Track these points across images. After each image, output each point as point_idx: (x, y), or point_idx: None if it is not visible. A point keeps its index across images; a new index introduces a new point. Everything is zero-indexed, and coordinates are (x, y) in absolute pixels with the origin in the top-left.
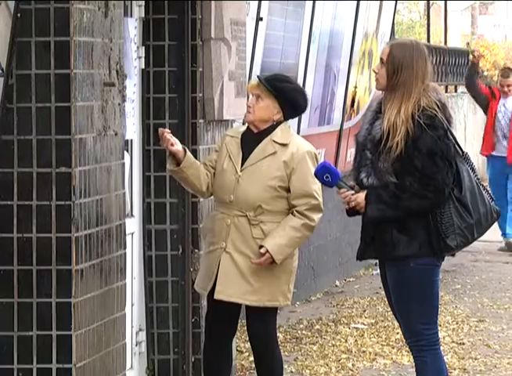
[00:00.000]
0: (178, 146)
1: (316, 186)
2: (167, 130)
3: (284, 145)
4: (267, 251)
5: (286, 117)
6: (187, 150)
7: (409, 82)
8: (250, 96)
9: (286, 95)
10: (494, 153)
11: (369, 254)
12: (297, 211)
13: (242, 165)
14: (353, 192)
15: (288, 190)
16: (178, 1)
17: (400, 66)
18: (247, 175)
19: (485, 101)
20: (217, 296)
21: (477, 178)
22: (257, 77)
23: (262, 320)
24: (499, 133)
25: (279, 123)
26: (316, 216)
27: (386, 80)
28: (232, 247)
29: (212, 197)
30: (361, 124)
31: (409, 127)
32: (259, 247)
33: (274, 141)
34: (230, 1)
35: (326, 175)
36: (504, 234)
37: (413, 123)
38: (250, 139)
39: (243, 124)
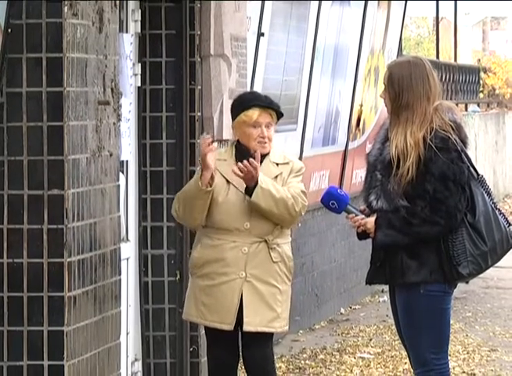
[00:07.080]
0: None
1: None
2: (212, 144)
3: (286, 164)
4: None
5: None
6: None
7: (412, 104)
8: (261, 127)
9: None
10: None
11: (379, 278)
12: None
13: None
14: (363, 216)
15: None
16: (175, 15)
17: (401, 90)
18: None
19: None
20: (246, 328)
21: (493, 203)
22: (272, 108)
23: (262, 345)
24: None
25: None
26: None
27: (391, 104)
28: (252, 275)
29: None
30: (373, 143)
31: (420, 151)
32: None
33: (274, 162)
34: (230, 16)
35: (332, 201)
36: None
37: (425, 146)
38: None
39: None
